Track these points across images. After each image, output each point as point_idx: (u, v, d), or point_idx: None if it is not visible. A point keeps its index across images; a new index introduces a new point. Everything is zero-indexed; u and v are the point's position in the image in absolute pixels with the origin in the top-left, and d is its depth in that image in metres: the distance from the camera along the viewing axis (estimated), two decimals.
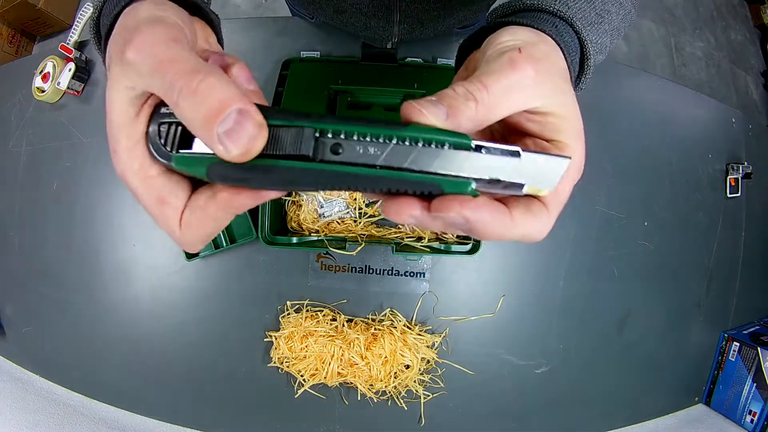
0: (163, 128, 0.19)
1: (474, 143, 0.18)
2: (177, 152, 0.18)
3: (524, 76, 0.19)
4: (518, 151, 0.18)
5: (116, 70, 0.18)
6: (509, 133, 0.23)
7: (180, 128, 0.19)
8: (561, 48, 0.23)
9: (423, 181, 0.18)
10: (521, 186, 0.19)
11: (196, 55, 0.18)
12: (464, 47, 0.28)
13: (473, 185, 0.18)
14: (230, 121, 0.16)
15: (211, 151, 0.17)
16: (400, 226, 0.63)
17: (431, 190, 0.18)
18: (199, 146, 0.18)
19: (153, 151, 0.19)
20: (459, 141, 0.18)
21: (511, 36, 0.22)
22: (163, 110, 0.19)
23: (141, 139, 0.19)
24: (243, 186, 0.18)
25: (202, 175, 0.18)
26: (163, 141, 0.19)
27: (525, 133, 0.22)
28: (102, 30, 0.23)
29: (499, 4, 0.29)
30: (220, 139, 0.16)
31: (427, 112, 0.18)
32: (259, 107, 0.17)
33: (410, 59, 0.65)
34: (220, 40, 0.26)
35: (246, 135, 0.16)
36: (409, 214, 0.18)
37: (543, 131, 0.21)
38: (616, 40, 0.30)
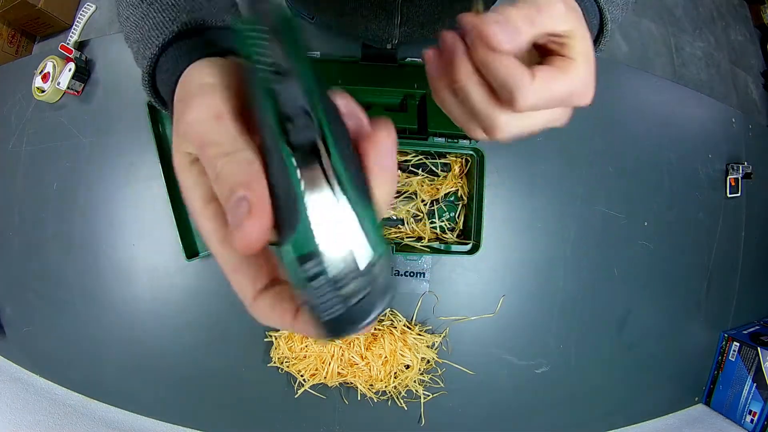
0: None
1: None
2: None
3: (560, 7, 0.23)
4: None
5: (176, 137, 0.19)
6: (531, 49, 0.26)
7: None
8: (582, 9, 0.26)
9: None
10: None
11: (234, 129, 0.17)
12: None
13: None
14: (233, 209, 0.16)
15: None
16: (401, 226, 0.63)
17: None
18: None
19: None
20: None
21: None
22: None
23: (212, 199, 0.18)
24: None
25: None
26: None
27: (544, 50, 0.25)
28: (165, 95, 0.25)
29: None
30: (231, 224, 0.16)
31: (500, 34, 0.21)
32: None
33: (410, 59, 0.65)
34: None
35: (240, 224, 0.15)
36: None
37: (561, 50, 0.24)
38: (625, 14, 0.33)
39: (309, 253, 0.15)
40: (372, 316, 0.16)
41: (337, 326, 0.16)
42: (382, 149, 0.17)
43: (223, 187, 0.16)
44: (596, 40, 0.31)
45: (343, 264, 0.15)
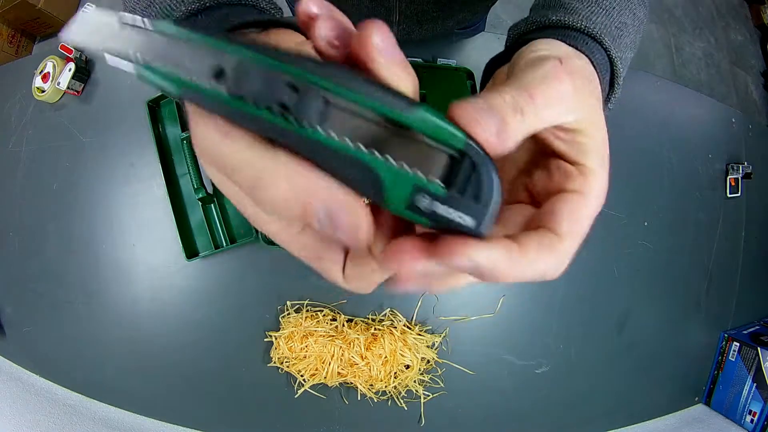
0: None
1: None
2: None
3: (565, 89, 0.18)
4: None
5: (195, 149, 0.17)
6: (534, 152, 0.22)
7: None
8: (594, 66, 0.23)
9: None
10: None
11: (245, 137, 0.15)
12: (491, 65, 0.28)
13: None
14: (325, 222, 0.14)
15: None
16: None
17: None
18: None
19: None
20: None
21: (548, 46, 0.22)
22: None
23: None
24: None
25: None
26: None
27: (549, 154, 0.20)
28: None
29: (520, 19, 0.28)
30: (329, 234, 0.15)
31: (483, 124, 0.15)
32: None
33: (410, 59, 0.65)
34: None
35: (347, 230, 0.14)
36: (409, 266, 0.15)
37: (569, 151, 0.19)
38: (632, 54, 0.29)
39: (411, 193, 0.14)
40: (498, 181, 0.15)
41: (485, 218, 0.15)
42: (381, 49, 0.15)
43: (286, 212, 0.15)
44: (606, 96, 0.26)
45: (443, 170, 0.15)
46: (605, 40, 0.25)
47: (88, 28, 0.16)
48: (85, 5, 0.19)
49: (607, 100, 0.27)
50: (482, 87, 0.28)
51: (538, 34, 0.25)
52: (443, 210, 0.14)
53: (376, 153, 0.14)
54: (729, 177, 0.74)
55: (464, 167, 0.15)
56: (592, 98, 0.20)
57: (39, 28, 1.80)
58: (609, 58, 0.25)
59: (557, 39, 0.23)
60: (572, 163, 0.19)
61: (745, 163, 0.74)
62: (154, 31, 0.15)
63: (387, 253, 0.16)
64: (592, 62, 0.23)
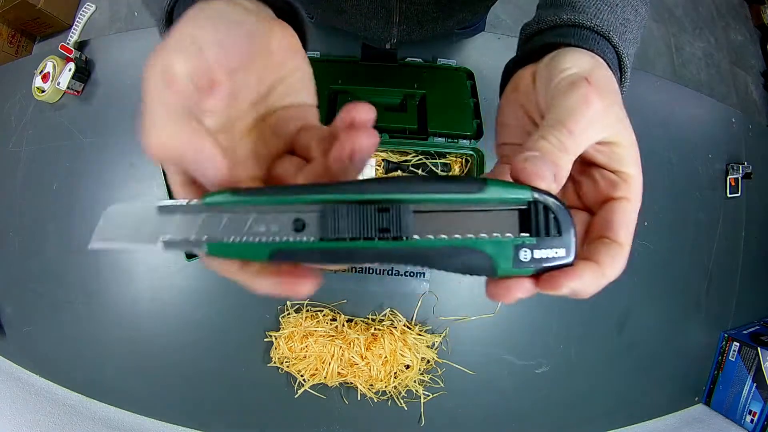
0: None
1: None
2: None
3: (596, 110, 0.20)
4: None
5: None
6: (578, 163, 0.23)
7: None
8: (609, 66, 0.24)
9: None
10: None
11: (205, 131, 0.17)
12: (509, 67, 0.29)
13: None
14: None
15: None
16: None
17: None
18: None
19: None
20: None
21: (572, 63, 0.23)
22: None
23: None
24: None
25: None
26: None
27: (591, 164, 0.22)
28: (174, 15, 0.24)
29: (531, 19, 0.30)
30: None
31: (542, 175, 0.18)
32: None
33: (410, 59, 0.65)
34: (305, 41, 0.25)
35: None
36: (516, 297, 0.18)
37: (609, 162, 0.21)
38: (634, 49, 0.30)
39: (513, 254, 0.17)
40: (569, 213, 0.18)
41: (572, 246, 0.18)
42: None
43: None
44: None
45: (523, 223, 0.17)
46: (613, 37, 0.26)
47: (117, 228, 0.17)
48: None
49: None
50: (502, 89, 0.29)
51: (550, 33, 0.27)
52: (543, 254, 0.17)
53: (471, 236, 0.16)
54: (729, 177, 0.74)
55: (540, 213, 0.17)
56: (617, 107, 0.21)
57: (39, 28, 1.80)
58: (617, 53, 0.27)
59: (574, 45, 0.24)
60: (613, 171, 0.21)
61: (745, 163, 0.74)
62: (206, 205, 0.16)
63: (504, 290, 0.18)
64: (609, 66, 0.24)
